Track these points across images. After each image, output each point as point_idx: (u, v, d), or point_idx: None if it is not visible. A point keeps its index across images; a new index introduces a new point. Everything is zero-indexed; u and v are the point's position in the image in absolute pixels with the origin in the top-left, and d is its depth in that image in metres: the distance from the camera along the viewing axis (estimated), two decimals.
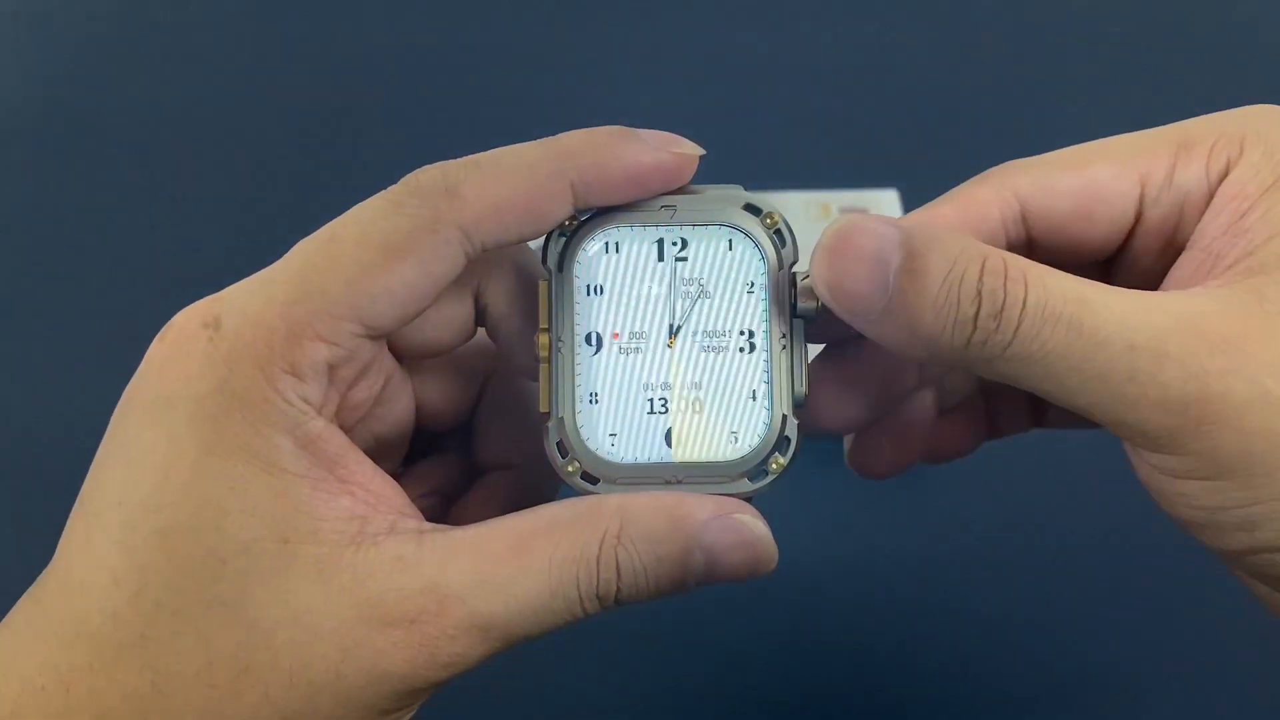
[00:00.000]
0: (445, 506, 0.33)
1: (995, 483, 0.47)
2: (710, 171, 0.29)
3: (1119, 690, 0.43)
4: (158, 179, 0.60)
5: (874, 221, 0.26)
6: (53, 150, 0.62)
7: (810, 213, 0.58)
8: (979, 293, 0.25)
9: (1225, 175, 0.27)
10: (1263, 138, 0.26)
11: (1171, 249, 0.28)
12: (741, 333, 0.28)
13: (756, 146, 0.59)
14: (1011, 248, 0.29)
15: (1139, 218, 0.28)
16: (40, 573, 0.27)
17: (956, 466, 0.47)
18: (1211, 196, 0.27)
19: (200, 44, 0.66)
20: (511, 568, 0.26)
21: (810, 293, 0.28)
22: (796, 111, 0.62)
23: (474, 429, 0.33)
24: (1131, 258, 0.29)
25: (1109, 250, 0.29)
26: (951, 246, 0.25)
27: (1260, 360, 0.24)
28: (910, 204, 0.56)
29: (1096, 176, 0.28)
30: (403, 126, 0.60)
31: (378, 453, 0.30)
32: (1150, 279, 0.29)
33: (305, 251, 0.27)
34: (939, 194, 0.29)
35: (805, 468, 0.26)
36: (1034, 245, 0.29)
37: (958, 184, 0.30)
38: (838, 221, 0.26)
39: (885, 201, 0.58)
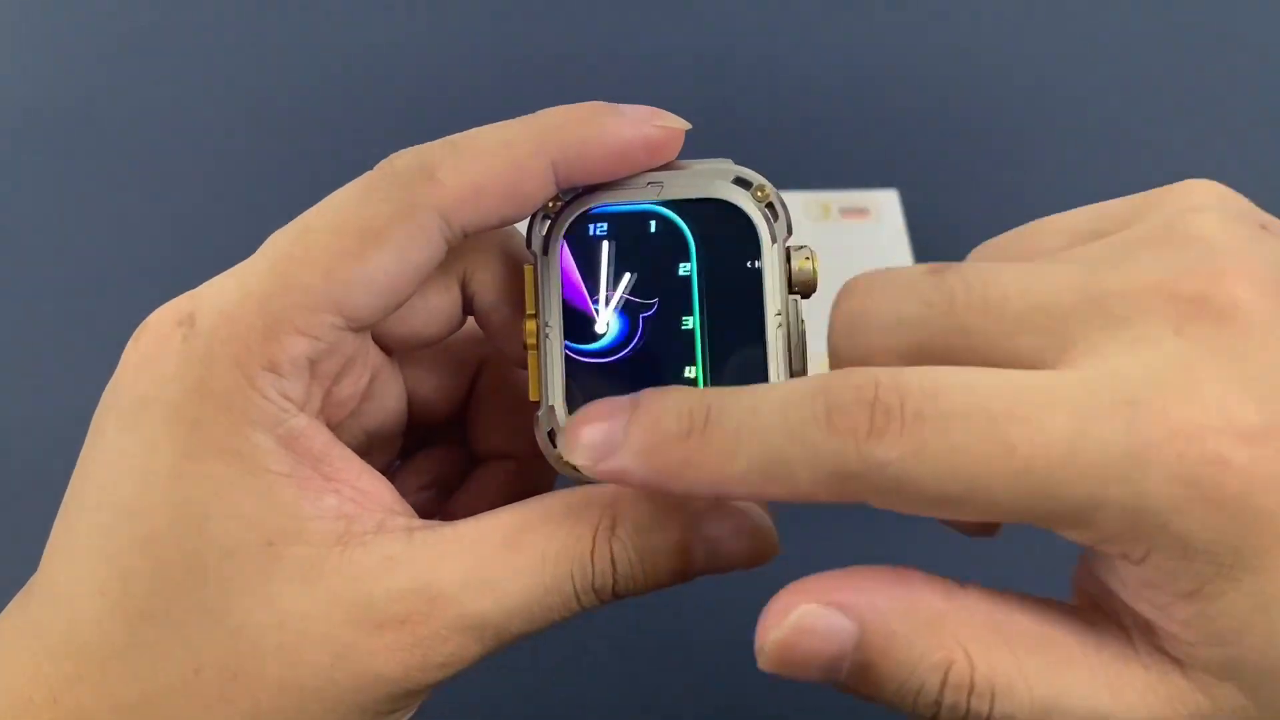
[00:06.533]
0: (445, 498, 0.32)
1: None
2: None
3: None
4: (143, 176, 0.60)
5: (826, 620, 0.22)
6: (39, 148, 0.62)
7: (810, 213, 0.57)
8: (938, 704, 0.22)
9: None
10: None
11: None
12: (735, 311, 0.27)
13: (756, 146, 0.59)
14: None
15: None
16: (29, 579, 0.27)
17: None
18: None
19: (185, 39, 0.66)
20: (503, 564, 0.25)
21: (805, 271, 0.27)
22: (797, 111, 0.62)
23: (468, 419, 0.33)
24: None
25: None
26: (912, 650, 0.22)
27: None
28: (910, 204, 0.56)
29: None
30: (393, 124, 0.60)
31: (371, 448, 0.30)
32: None
33: (279, 243, 0.26)
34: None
35: None
36: None
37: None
38: (790, 620, 0.22)
39: (885, 201, 0.57)
